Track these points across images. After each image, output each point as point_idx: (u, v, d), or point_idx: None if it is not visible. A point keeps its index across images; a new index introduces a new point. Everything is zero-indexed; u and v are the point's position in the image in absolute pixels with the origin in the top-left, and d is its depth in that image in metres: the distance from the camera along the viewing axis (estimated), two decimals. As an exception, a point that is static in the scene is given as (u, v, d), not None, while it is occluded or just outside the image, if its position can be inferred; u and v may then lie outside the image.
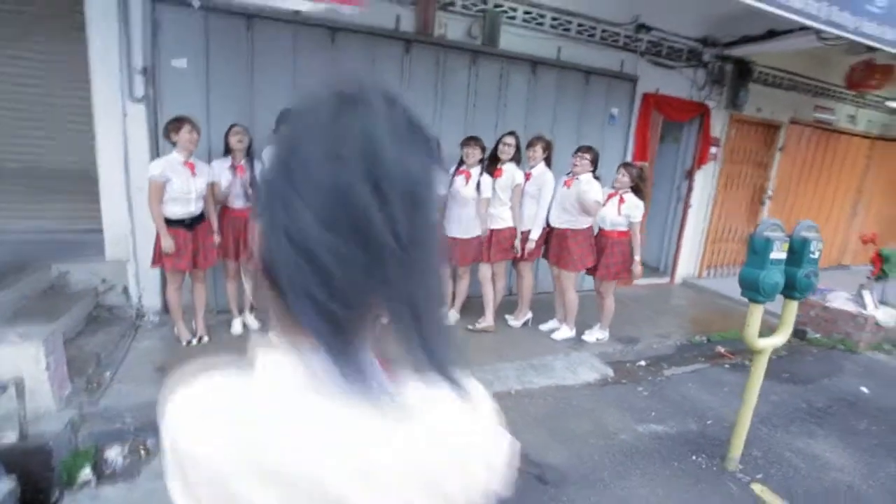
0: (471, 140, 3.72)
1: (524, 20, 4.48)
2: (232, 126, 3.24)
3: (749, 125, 5.97)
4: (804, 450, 2.75)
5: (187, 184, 2.98)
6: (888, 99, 6.68)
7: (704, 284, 5.90)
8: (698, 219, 6.00)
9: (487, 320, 4.04)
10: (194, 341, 3.31)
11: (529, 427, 2.70)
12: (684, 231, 5.93)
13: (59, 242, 4.02)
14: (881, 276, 4.40)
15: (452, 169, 3.81)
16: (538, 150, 3.87)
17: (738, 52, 5.38)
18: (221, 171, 3.24)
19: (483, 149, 3.74)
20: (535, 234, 3.88)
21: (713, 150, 5.73)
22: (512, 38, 4.43)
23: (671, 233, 6.01)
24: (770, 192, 6.37)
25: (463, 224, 3.78)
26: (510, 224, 3.90)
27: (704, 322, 4.71)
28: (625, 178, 3.77)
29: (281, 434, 0.39)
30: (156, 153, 3.45)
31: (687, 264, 6.12)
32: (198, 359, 0.55)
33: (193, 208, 3.07)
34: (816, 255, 2.17)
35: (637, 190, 3.77)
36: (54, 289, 3.53)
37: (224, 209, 3.34)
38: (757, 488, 2.36)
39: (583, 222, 3.81)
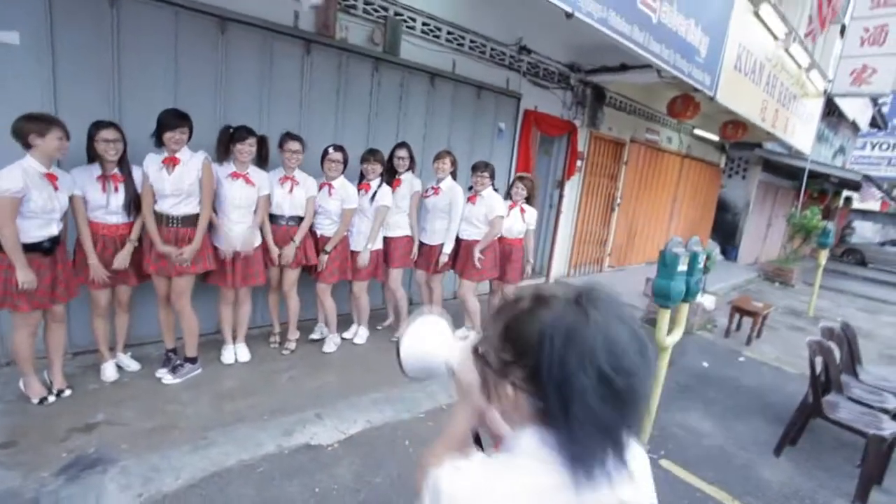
0: (370, 156, 3.62)
1: (423, 31, 4.50)
2: (99, 128, 2.60)
3: (604, 142, 6.94)
4: (684, 423, 3.35)
5: (50, 200, 2.32)
6: (694, 127, 8.42)
7: (574, 282, 6.68)
8: (567, 224, 6.77)
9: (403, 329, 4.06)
10: (51, 397, 2.59)
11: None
12: (557, 235, 6.64)
13: None
14: (705, 269, 5.53)
15: (355, 184, 3.67)
16: (447, 164, 3.95)
17: (596, 79, 6.20)
18: (87, 184, 2.59)
19: (382, 163, 3.68)
20: (448, 248, 3.96)
21: (579, 163, 6.52)
22: (412, 49, 4.42)
23: (546, 237, 6.67)
24: (619, 200, 7.52)
25: (364, 236, 3.68)
26: (407, 232, 3.93)
27: (583, 317, 5.34)
28: (523, 191, 4.10)
29: None
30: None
31: (559, 265, 6.87)
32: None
33: (55, 229, 2.41)
34: (702, 266, 2.66)
35: (529, 199, 4.14)
36: None
37: (90, 225, 2.66)
38: (665, 464, 2.80)
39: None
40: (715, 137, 8.71)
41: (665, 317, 2.63)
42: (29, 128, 2.24)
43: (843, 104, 11.55)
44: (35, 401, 2.54)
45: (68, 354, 2.97)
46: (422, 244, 4.06)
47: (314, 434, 2.59)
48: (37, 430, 2.34)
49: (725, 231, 11.22)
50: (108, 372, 2.88)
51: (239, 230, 3.07)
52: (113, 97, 3.01)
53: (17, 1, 2.66)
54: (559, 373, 0.59)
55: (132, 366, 3.02)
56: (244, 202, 3.06)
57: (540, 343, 0.61)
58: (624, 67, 5.73)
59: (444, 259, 3.96)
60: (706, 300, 5.46)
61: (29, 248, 2.30)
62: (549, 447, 0.62)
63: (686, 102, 6.50)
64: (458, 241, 4.04)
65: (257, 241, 3.19)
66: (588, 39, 5.13)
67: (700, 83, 5.08)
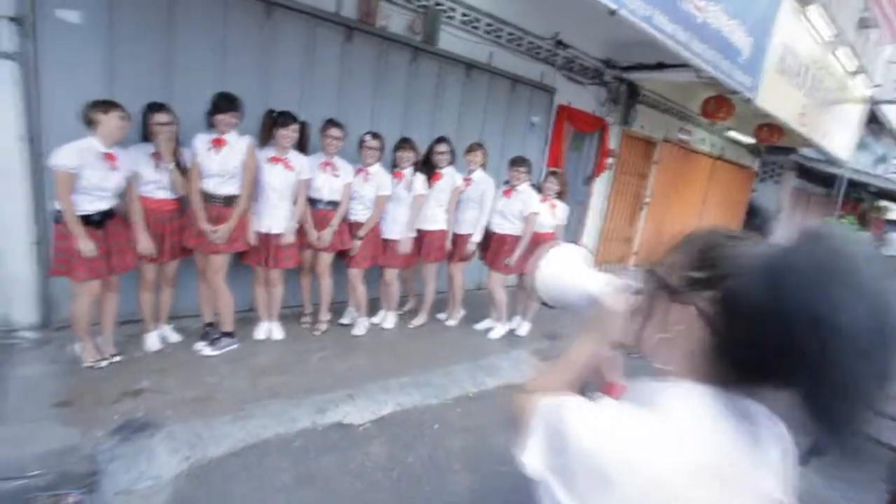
0: (404, 143, 3.68)
1: (462, 22, 4.50)
2: (154, 110, 2.71)
3: (635, 140, 6.85)
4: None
5: (104, 179, 2.44)
6: (728, 129, 8.23)
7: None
8: (595, 221, 6.74)
9: (421, 318, 4.21)
10: (103, 362, 2.73)
11: (505, 428, 2.79)
12: (584, 232, 6.62)
13: None
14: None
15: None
16: (479, 156, 3.98)
17: (631, 76, 6.11)
18: (141, 161, 2.70)
19: (416, 152, 3.72)
20: (477, 238, 4.00)
21: (609, 160, 6.46)
22: (450, 39, 4.43)
23: (574, 233, 6.64)
24: (648, 200, 7.43)
25: (399, 224, 3.73)
26: (443, 227, 3.96)
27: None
28: (555, 186, 4.10)
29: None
30: (31, 121, 2.74)
31: (583, 261, 6.84)
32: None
33: (105, 204, 2.53)
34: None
35: (560, 195, 4.14)
36: None
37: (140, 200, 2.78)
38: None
39: (521, 230, 4.03)
40: (750, 140, 8.50)
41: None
42: (93, 109, 2.38)
43: (887, 111, 11.11)
44: (86, 364, 2.69)
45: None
46: (449, 233, 4.10)
47: (346, 413, 2.68)
48: (90, 393, 2.48)
49: (753, 236, 10.96)
50: (152, 342, 3.01)
51: (279, 214, 3.16)
52: (165, 77, 3.11)
53: (79, -19, 2.78)
54: (797, 297, 0.45)
55: (174, 337, 3.16)
56: (282, 185, 3.14)
57: (769, 266, 0.49)
58: (661, 66, 5.62)
59: (471, 248, 4.01)
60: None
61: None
62: (726, 411, 0.50)
63: (719, 103, 6.35)
64: (490, 233, 4.08)
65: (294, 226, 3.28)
66: (626, 36, 5.04)
67: (741, 85, 4.96)
